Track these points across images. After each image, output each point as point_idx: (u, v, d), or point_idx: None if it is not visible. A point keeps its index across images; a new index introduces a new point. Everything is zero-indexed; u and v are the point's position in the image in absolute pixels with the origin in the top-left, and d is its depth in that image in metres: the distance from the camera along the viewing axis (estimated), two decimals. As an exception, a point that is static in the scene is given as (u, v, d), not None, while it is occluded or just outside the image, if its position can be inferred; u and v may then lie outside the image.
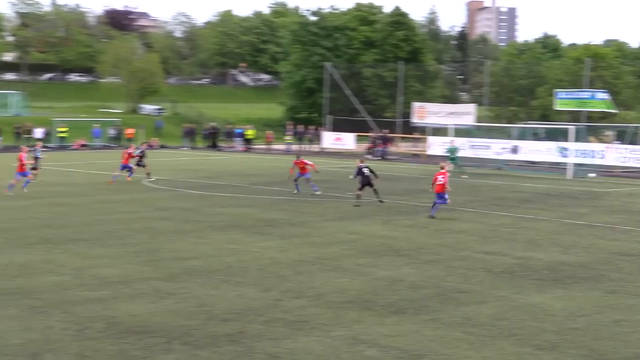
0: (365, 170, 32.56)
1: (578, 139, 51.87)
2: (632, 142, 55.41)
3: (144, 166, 41.61)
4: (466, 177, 46.35)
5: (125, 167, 40.48)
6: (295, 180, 36.35)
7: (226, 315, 15.12)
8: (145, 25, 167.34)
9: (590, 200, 35.94)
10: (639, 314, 15.70)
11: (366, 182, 32.45)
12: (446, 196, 29.24)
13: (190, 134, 74.45)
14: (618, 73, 79.23)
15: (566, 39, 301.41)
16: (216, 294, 16.82)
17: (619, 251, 22.81)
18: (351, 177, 36.37)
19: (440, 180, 29.08)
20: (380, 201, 32.51)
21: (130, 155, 40.89)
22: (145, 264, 19.73)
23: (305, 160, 37.02)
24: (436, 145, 58.89)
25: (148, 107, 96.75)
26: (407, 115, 70.72)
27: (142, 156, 42.12)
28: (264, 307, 15.79)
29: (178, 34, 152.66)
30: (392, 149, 66.67)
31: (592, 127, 66.08)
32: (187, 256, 20.83)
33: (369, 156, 64.35)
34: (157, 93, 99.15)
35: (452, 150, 49.54)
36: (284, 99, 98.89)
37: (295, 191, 36.04)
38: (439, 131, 66.63)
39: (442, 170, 29.49)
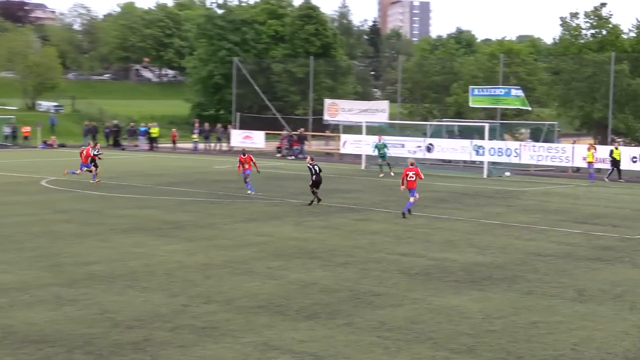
0: (317, 168, 33.08)
1: (493, 136, 52.79)
2: (547, 140, 56.61)
3: (96, 167, 40.96)
4: (382, 175, 46.94)
5: (86, 167, 40.43)
6: (246, 179, 36.32)
7: (131, 322, 14.95)
8: (41, 17, 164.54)
9: (506, 200, 36.58)
10: (556, 315, 16.03)
11: (318, 180, 32.90)
12: (415, 192, 29.99)
13: (91, 132, 73.37)
14: (532, 69, 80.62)
15: (480, 35, 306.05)
16: (120, 300, 16.61)
17: (535, 251, 23.26)
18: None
19: (411, 177, 29.85)
20: (318, 200, 32.96)
21: (88, 155, 40.63)
22: (44, 270, 19.38)
23: (252, 156, 37.10)
24: (349, 144, 59.30)
25: (46, 104, 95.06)
26: (318, 112, 70.98)
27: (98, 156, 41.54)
28: (171, 313, 15.65)
29: (77, 27, 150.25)
30: (305, 147, 66.79)
31: (507, 124, 67.34)
32: (89, 261, 20.53)
33: (279, 155, 64.47)
34: (55, 89, 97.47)
35: (380, 146, 49.87)
36: (190, 95, 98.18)
37: (250, 191, 35.96)
38: (352, 129, 67.05)
39: (412, 167, 30.28)
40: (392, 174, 47.52)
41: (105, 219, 28.05)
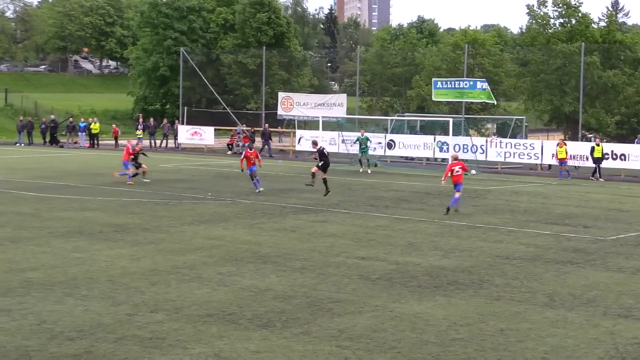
0: (325, 152, 35.61)
1: (458, 132, 53.10)
2: (514, 136, 57.09)
3: (138, 166, 41.37)
4: (370, 172, 47.42)
5: (124, 166, 41.33)
6: (251, 175, 36.64)
7: (71, 333, 14.83)
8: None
9: (472, 200, 36.79)
10: (525, 322, 16.14)
11: (326, 164, 35.06)
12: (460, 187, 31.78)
13: (26, 128, 72.68)
14: (498, 61, 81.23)
15: (443, 24, 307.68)
16: (59, 309, 16.47)
17: (503, 254, 23.41)
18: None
19: (457, 171, 31.54)
20: (327, 191, 35.09)
21: (129, 152, 41.17)
22: (-24, 278, 19.18)
23: (257, 151, 37.66)
24: (305, 140, 59.33)
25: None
26: (272, 106, 70.94)
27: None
28: (114, 323, 15.55)
29: (9, 14, 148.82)
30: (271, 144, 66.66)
31: (472, 119, 67.80)
32: (25, 267, 20.33)
33: (229, 152, 64.31)
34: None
35: (363, 140, 50.07)
36: (133, 88, 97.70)
37: (258, 190, 36.69)
38: (308, 124, 67.10)
39: (457, 161, 32.35)
40: (369, 171, 47.82)
41: (42, 222, 27.80)
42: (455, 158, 33.00)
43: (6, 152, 61.59)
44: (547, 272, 21.02)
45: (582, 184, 45.91)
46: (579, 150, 50.66)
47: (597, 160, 48.65)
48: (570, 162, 49.65)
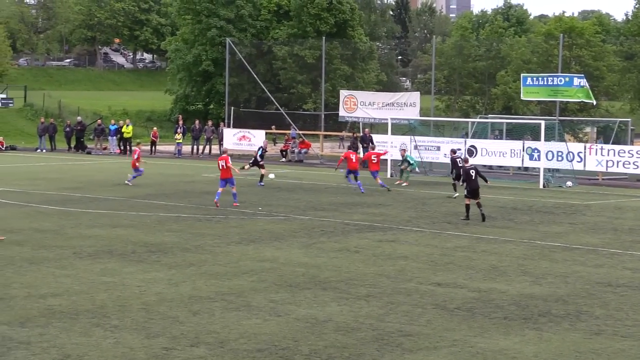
0: (472, 173, 34.66)
1: (551, 137, 52.68)
2: (617, 141, 56.48)
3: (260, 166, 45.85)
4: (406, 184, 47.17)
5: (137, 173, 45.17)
6: (351, 174, 39.29)
7: (99, 369, 14.97)
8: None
9: (567, 216, 36.51)
10: (631, 361, 16.02)
11: (474, 187, 34.33)
12: None
13: (48, 132, 73.45)
14: (599, 53, 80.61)
15: (534, 10, 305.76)
16: (85, 342, 16.62)
17: (604, 281, 23.20)
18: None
19: None
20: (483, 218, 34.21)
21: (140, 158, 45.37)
22: (-10, 304, 19.44)
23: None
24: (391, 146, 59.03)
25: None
26: (333, 107, 70.97)
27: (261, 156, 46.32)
28: (149, 358, 15.65)
29: (30, 1, 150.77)
30: (312, 150, 66.75)
31: (568, 122, 67.25)
32: (46, 293, 20.55)
33: (283, 159, 64.50)
34: (3, 77, 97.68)
35: (409, 159, 49.88)
36: (172, 85, 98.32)
37: (355, 187, 40.22)
38: (375, 127, 66.95)
39: None
40: (405, 183, 47.63)
41: (66, 240, 28.08)
42: None
43: (26, 160, 62.32)
44: (657, 302, 20.82)
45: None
46: None
47: None
48: None
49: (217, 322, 18.16)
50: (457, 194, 40.68)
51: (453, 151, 41.34)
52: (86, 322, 18.01)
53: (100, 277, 22.51)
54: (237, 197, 37.04)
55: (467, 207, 34.47)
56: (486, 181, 35.92)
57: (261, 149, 46.50)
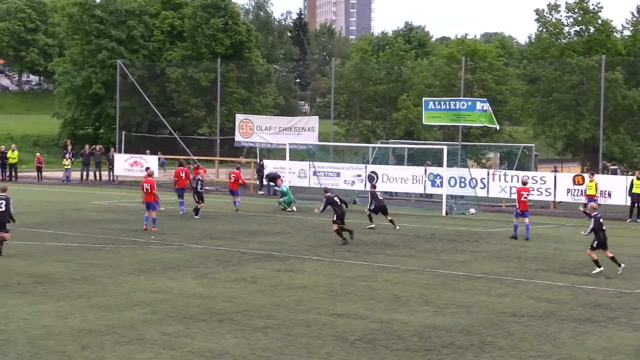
0: (337, 199, 37.29)
1: (453, 163, 53.21)
2: (521, 167, 57.26)
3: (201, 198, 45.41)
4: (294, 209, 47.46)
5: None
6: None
7: (-17, 408, 14.76)
8: None
9: (470, 244, 36.87)
10: (536, 392, 16.21)
11: (341, 215, 36.42)
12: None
13: None
14: (502, 77, 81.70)
15: (435, 32, 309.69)
16: (-32, 378, 16.38)
17: (509, 310, 23.45)
18: (317, 210, 42.04)
19: (525, 197, 38.75)
20: (351, 233, 36.32)
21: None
22: None
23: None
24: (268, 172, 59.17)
25: None
26: (228, 131, 70.91)
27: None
28: (36, 395, 15.47)
29: None
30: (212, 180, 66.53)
31: (470, 147, 68.06)
32: None
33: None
34: None
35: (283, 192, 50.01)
36: (60, 109, 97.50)
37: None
38: (272, 153, 67.02)
39: (525, 186, 39.69)
40: (294, 209, 47.99)
41: (-53, 271, 27.66)
42: (524, 183, 40.41)
43: None
44: (561, 332, 21.09)
45: (612, 226, 45.48)
46: (609, 186, 50.08)
47: (637, 198, 48.13)
48: (601, 200, 48.14)
49: (108, 357, 18.01)
50: (373, 225, 40.97)
51: (373, 186, 43.58)
52: (-32, 358, 17.75)
53: (-16, 310, 22.20)
54: (155, 223, 38.11)
55: (338, 232, 36.11)
56: (346, 206, 38.00)
57: (198, 180, 45.89)
